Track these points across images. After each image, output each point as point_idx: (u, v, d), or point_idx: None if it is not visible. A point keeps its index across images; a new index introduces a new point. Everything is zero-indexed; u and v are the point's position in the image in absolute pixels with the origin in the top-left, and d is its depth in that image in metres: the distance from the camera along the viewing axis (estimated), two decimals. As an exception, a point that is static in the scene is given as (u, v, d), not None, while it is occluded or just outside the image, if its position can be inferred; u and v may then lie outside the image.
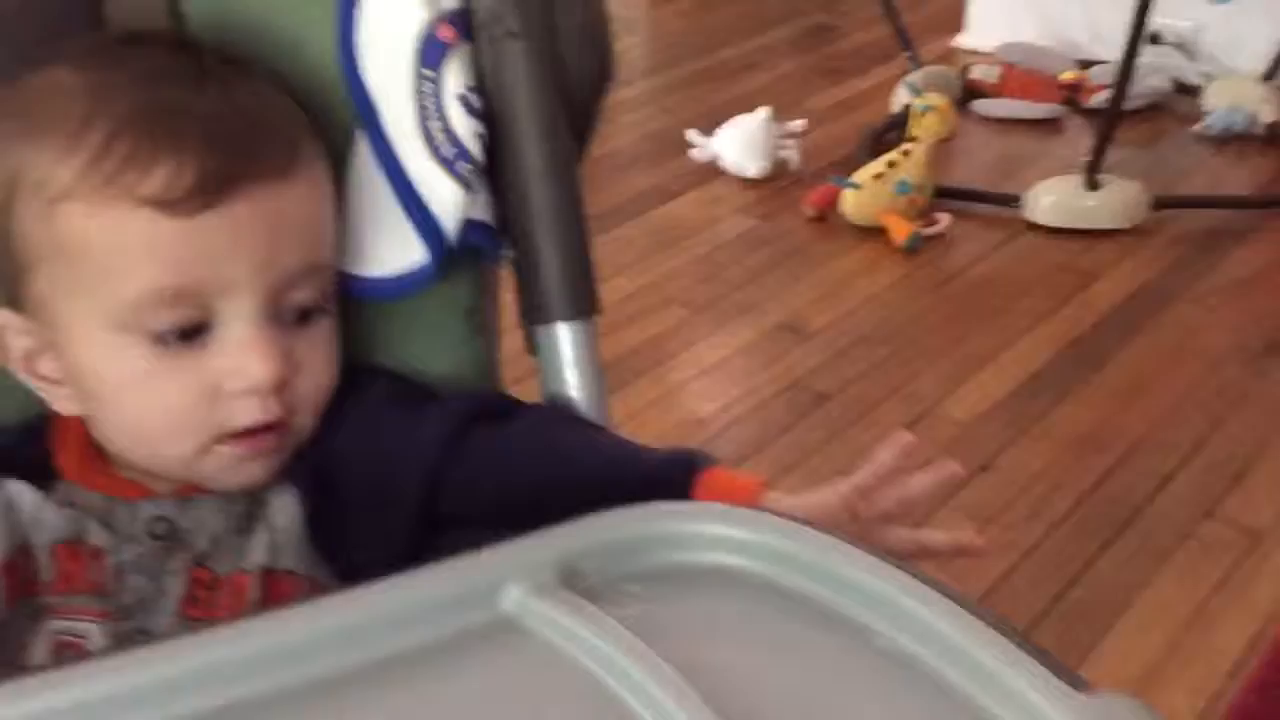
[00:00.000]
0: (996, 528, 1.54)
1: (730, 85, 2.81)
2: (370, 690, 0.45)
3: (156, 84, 0.58)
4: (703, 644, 0.45)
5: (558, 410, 0.67)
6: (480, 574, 0.48)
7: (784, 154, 2.39)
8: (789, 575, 0.46)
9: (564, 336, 0.66)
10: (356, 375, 0.65)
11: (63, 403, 0.62)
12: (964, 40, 2.96)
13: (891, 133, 2.41)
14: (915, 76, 2.53)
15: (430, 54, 0.62)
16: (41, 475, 0.61)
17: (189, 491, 0.62)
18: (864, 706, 0.43)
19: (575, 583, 0.48)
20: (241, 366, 0.58)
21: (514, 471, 0.63)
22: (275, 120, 0.60)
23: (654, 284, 2.09)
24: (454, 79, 0.63)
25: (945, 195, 2.24)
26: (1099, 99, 2.43)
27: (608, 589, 0.48)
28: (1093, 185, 2.17)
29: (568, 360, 0.66)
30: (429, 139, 0.62)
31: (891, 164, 2.18)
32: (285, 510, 0.62)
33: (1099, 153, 2.14)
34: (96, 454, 0.63)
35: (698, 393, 1.87)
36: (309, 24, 0.64)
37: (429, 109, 0.62)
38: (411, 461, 0.62)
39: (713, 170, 2.39)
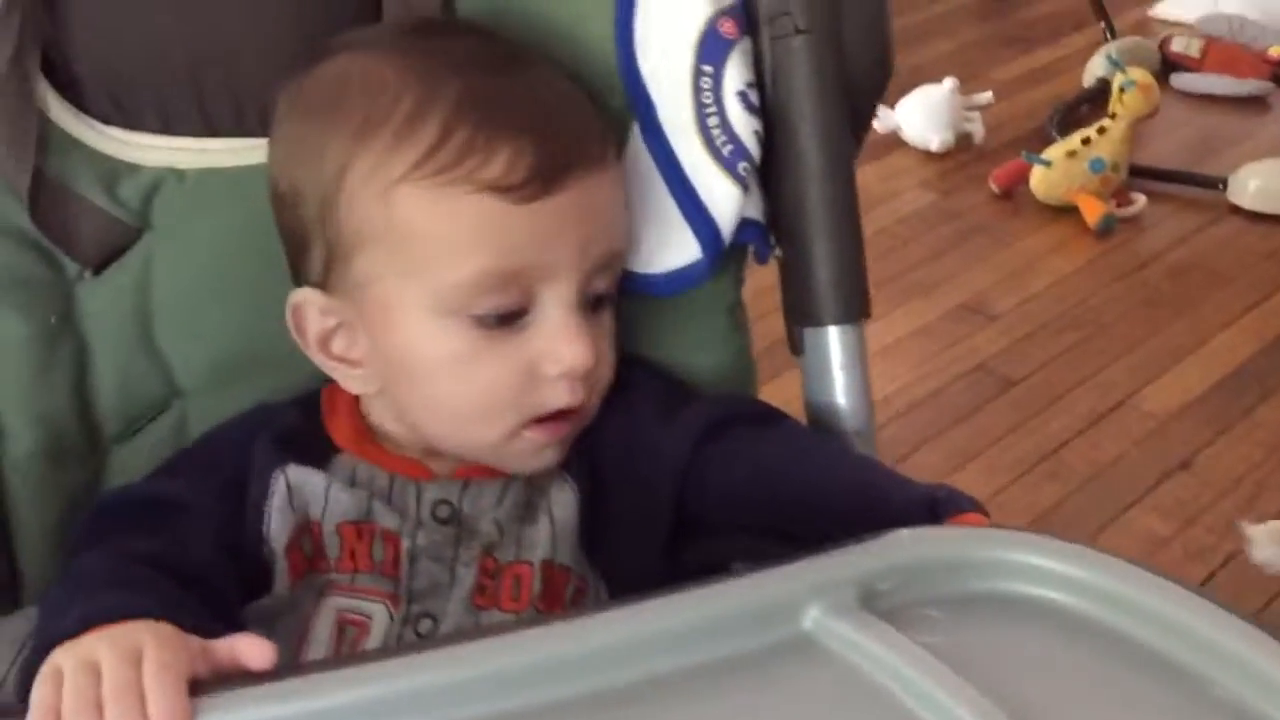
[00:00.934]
0: (1197, 529, 1.48)
1: (909, 53, 2.72)
2: (675, 700, 0.45)
3: (478, 72, 0.59)
4: (1016, 677, 0.44)
5: (815, 423, 0.66)
6: (781, 591, 0.47)
7: (968, 127, 2.32)
8: (1116, 616, 0.45)
9: (834, 340, 0.65)
10: (622, 369, 0.65)
11: (355, 382, 0.64)
12: (1162, 10, 2.81)
13: (1084, 107, 2.32)
14: (1112, 47, 2.42)
15: (711, 49, 0.61)
16: (316, 451, 0.63)
17: (468, 474, 0.63)
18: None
19: (875, 604, 0.47)
20: (558, 350, 0.59)
21: (764, 482, 0.63)
22: (589, 109, 0.61)
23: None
24: (734, 75, 0.62)
25: (1141, 175, 2.14)
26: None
27: (909, 613, 0.47)
28: (1305, 169, 2.05)
29: (836, 364, 0.65)
30: (707, 136, 0.62)
31: (1086, 141, 2.09)
32: (564, 502, 0.62)
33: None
34: (370, 434, 0.64)
35: (875, 373, 1.84)
36: (586, 16, 0.64)
37: (707, 105, 0.61)
38: (667, 459, 0.62)
39: (893, 142, 2.33)
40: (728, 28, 0.62)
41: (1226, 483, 1.56)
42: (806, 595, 0.47)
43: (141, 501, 0.61)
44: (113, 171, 0.66)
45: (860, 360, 0.65)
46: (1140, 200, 2.11)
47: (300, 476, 0.61)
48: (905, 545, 0.48)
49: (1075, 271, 2.01)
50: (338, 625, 0.59)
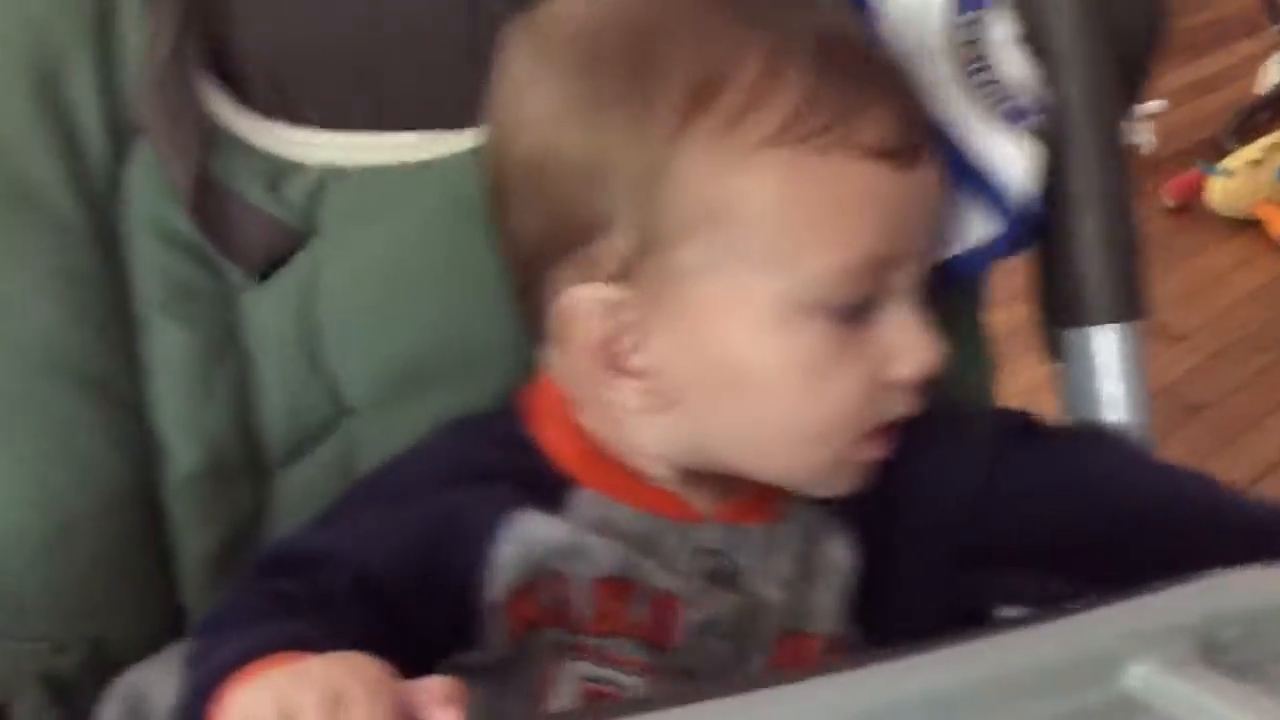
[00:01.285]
0: None
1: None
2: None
3: (813, 18, 0.51)
4: None
5: (1103, 433, 0.57)
6: (1099, 643, 0.38)
7: (1138, 138, 2.20)
8: None
9: (1106, 341, 0.55)
10: None
11: (634, 397, 0.52)
12: (1342, 12, 2.65)
13: (1263, 114, 2.21)
14: (1295, 49, 2.28)
15: None
16: (543, 485, 0.53)
17: (731, 515, 0.53)
18: None
19: (1218, 658, 0.38)
20: (909, 348, 0.50)
21: (1088, 499, 0.53)
22: (900, 73, 0.53)
23: (995, 277, 1.96)
24: (1002, 24, 0.53)
25: (1334, 182, 2.02)
26: None
27: (1264, 669, 0.38)
28: None
29: (1110, 371, 0.55)
30: (977, 94, 0.53)
31: (1272, 148, 1.99)
32: (841, 558, 0.53)
33: None
34: (603, 456, 0.54)
35: (1049, 402, 1.73)
36: None
37: (973, 59, 0.53)
38: (954, 488, 0.53)
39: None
40: None
41: None
42: (1132, 647, 0.38)
43: (306, 559, 0.51)
44: (276, 170, 0.60)
45: (1139, 367, 0.55)
46: (1333, 211, 1.98)
47: (534, 525, 0.51)
48: (1262, 584, 0.39)
49: (1264, 287, 1.90)
50: (584, 695, 0.51)
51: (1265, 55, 2.36)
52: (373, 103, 0.60)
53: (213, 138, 0.59)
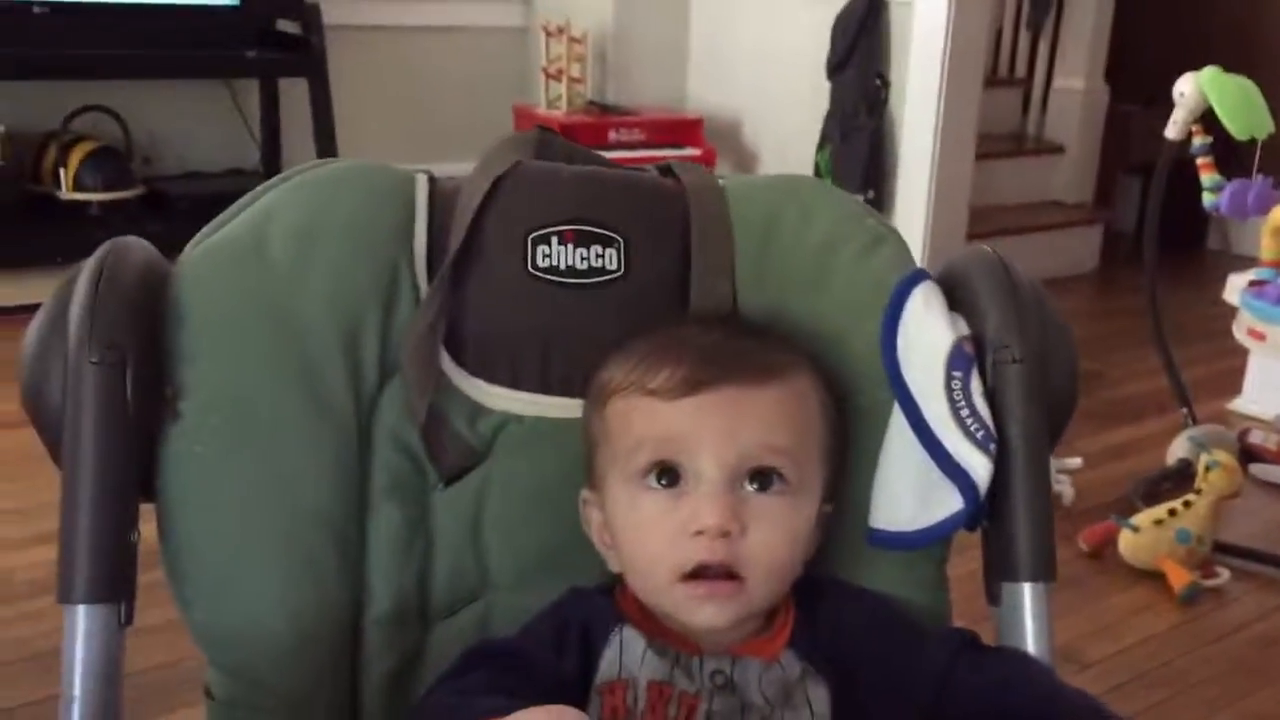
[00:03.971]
0: None
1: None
2: None
3: (684, 330, 0.82)
4: None
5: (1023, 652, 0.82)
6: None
7: (1059, 488, 2.49)
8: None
9: (1029, 594, 0.81)
10: (846, 585, 0.82)
11: (614, 562, 0.81)
12: (1240, 405, 3.04)
13: (1166, 483, 2.49)
14: (1197, 432, 2.62)
15: (959, 362, 0.81)
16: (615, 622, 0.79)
17: (735, 651, 0.78)
18: None
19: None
20: (698, 511, 0.76)
21: (1013, 690, 0.76)
22: (759, 354, 0.80)
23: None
24: (976, 381, 0.82)
25: (1224, 551, 2.28)
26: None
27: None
28: (1382, 563, 2.17)
29: (1030, 613, 0.81)
30: (961, 423, 0.80)
31: (1173, 512, 2.24)
32: (820, 697, 0.76)
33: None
34: (649, 613, 0.80)
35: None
36: (849, 332, 0.86)
37: (959, 401, 0.81)
38: (927, 666, 0.77)
39: (988, 494, 2.50)
40: (969, 347, 0.82)
41: None
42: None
43: (498, 650, 0.76)
44: (474, 409, 0.85)
45: (1049, 614, 0.81)
46: (1224, 574, 2.23)
47: (630, 635, 0.77)
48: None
49: (1163, 632, 2.10)
50: None
51: (1172, 433, 2.68)
52: (544, 373, 0.87)
53: (440, 383, 0.85)
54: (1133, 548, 2.24)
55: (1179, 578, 2.17)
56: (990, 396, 0.82)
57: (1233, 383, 3.10)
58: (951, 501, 0.80)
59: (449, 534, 0.84)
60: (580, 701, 0.75)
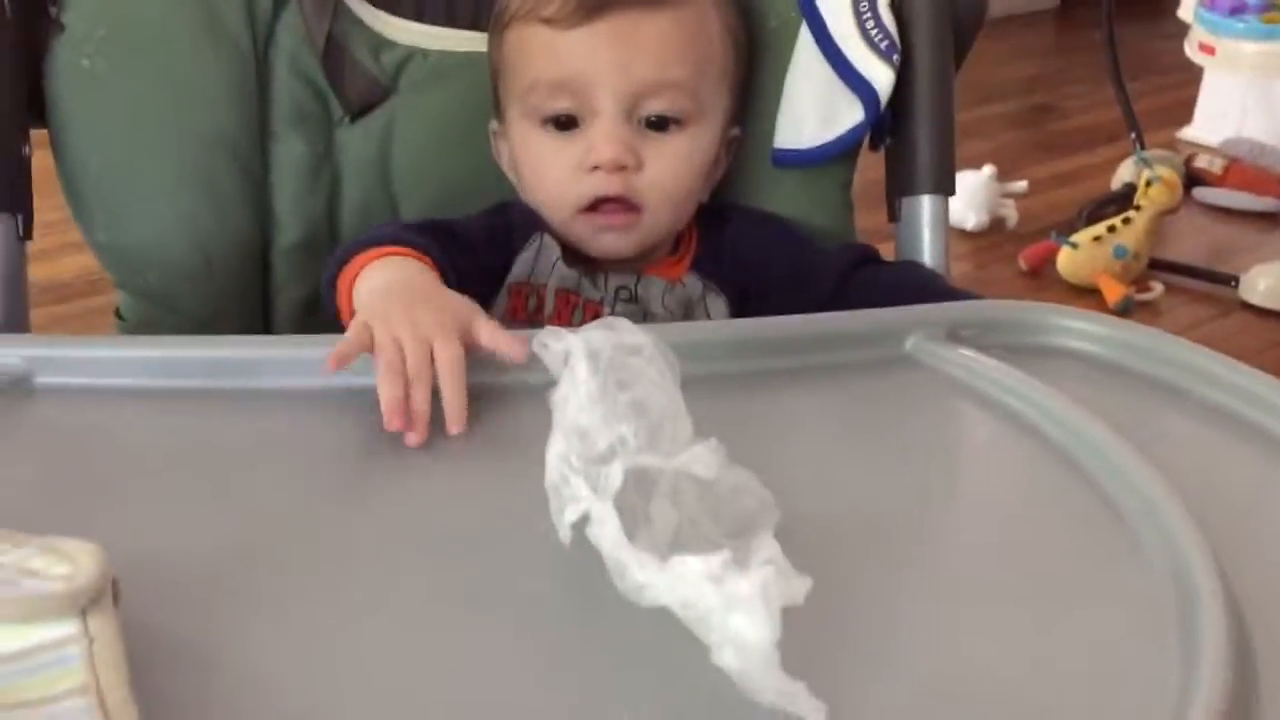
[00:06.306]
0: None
1: (952, 148, 2.94)
2: (795, 389, 0.62)
3: None
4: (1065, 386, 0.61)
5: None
6: (888, 321, 0.65)
7: (1003, 212, 2.51)
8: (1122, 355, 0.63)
9: (927, 207, 0.84)
10: (752, 211, 0.85)
11: (525, 191, 0.82)
12: (1189, 133, 3.04)
13: (1110, 206, 2.50)
14: (1144, 155, 2.64)
15: None
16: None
17: (640, 270, 0.81)
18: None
19: (960, 341, 0.65)
20: (595, 147, 0.77)
21: (904, 291, 0.78)
22: None
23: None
24: None
25: (1160, 267, 2.33)
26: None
27: (989, 350, 0.64)
28: (1312, 274, 2.22)
29: (927, 225, 0.83)
30: (865, 34, 0.81)
31: (1111, 229, 2.28)
32: (718, 308, 0.80)
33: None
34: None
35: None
36: None
37: (864, 11, 0.81)
38: (826, 278, 0.80)
39: (933, 219, 2.53)
40: None
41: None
42: (908, 327, 0.64)
43: (437, 224, 0.78)
44: (378, 42, 0.85)
45: (945, 225, 0.83)
46: (1158, 288, 2.28)
47: (549, 242, 0.79)
48: (981, 308, 0.66)
49: None
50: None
51: (1121, 160, 2.69)
52: (449, 6, 0.86)
53: (340, 11, 0.84)
54: (1071, 264, 2.28)
55: (1114, 292, 2.22)
56: (897, 8, 0.82)
57: (1185, 113, 3.09)
58: (854, 115, 0.81)
59: (357, 167, 0.85)
60: (492, 295, 0.78)
